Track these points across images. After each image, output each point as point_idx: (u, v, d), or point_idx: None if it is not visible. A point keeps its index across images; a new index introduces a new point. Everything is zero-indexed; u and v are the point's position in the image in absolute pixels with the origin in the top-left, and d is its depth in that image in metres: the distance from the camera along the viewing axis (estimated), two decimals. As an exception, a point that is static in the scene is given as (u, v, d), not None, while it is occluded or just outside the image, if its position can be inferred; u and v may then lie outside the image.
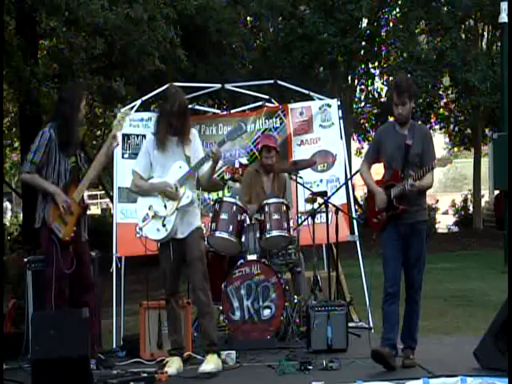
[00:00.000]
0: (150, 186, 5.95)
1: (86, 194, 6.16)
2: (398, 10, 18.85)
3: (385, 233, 5.81)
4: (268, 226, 6.95)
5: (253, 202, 7.29)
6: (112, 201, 8.01)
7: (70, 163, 5.97)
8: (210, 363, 5.72)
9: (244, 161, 7.93)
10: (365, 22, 18.61)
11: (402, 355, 5.77)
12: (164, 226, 5.82)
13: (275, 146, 7.43)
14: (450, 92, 20.13)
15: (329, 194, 7.26)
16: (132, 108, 8.12)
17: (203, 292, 5.85)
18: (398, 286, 5.77)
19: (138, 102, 8.16)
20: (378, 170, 6.08)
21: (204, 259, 5.95)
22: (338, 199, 7.56)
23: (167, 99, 5.94)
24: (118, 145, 6.32)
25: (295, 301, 6.96)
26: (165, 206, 5.85)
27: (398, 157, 5.75)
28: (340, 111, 8.14)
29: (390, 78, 18.73)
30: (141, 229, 6.14)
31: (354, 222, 7.79)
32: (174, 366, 5.81)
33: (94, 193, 31.88)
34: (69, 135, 5.94)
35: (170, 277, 5.96)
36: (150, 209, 5.89)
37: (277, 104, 8.75)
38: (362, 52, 18.61)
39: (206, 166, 5.89)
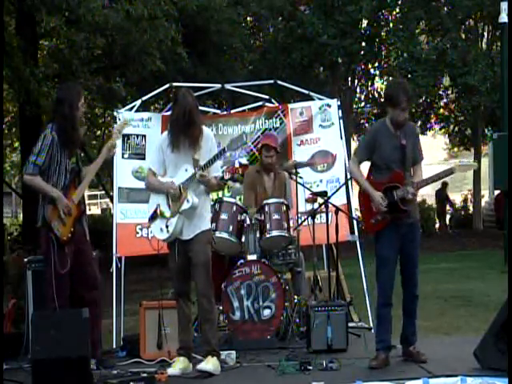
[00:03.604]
0: (158, 183, 5.92)
1: (86, 193, 6.18)
2: (397, 10, 18.86)
3: (384, 234, 5.77)
4: (268, 226, 6.95)
5: (256, 203, 7.27)
6: (112, 201, 8.01)
7: (70, 164, 5.97)
8: (209, 364, 5.70)
9: (244, 161, 7.93)
10: (364, 22, 18.60)
11: (412, 353, 5.78)
12: (167, 227, 5.80)
13: (275, 145, 7.41)
14: (450, 92, 20.14)
15: (329, 194, 7.26)
16: (132, 108, 8.14)
17: (206, 298, 5.79)
18: (393, 288, 5.78)
19: (138, 103, 8.17)
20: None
21: (209, 264, 5.83)
22: (338, 199, 7.56)
23: (175, 104, 5.91)
24: (115, 153, 6.43)
25: (295, 301, 6.97)
26: (169, 207, 5.85)
27: (396, 158, 5.74)
28: (340, 111, 8.15)
29: (390, 78, 18.76)
30: (148, 226, 6.13)
31: (354, 222, 7.79)
32: (177, 366, 5.78)
33: (94, 193, 31.90)
34: (71, 135, 5.92)
35: (177, 277, 5.91)
36: (157, 207, 5.88)
37: (277, 104, 8.74)
38: (362, 52, 18.61)
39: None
